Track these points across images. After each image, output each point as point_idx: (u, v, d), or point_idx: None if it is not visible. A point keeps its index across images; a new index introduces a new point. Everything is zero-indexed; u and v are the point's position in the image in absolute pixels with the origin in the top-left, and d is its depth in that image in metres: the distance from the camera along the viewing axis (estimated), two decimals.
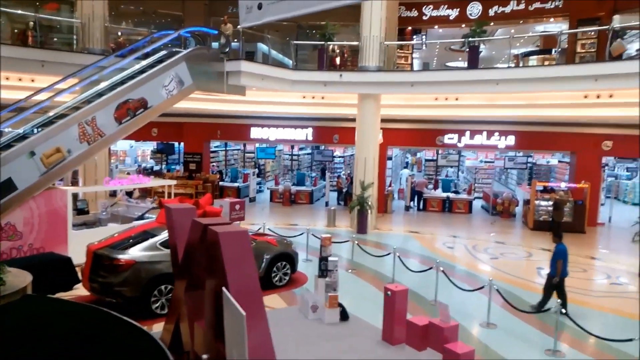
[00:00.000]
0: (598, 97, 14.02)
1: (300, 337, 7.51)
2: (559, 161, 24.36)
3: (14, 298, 6.38)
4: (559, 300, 8.36)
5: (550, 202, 17.29)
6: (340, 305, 8.19)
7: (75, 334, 5.05)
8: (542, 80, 13.44)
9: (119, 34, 18.70)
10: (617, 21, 14.83)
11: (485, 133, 18.80)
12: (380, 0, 15.12)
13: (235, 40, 14.44)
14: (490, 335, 8.20)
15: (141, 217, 12.10)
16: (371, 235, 15.78)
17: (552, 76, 13.27)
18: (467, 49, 14.79)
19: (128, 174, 21.61)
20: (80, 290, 8.61)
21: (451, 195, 20.99)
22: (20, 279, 6.86)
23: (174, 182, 13.37)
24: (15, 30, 14.60)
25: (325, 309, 8.08)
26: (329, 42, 16.18)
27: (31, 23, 14.34)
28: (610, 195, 25.81)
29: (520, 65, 16.81)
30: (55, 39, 16.07)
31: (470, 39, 14.54)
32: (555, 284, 9.14)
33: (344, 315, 8.19)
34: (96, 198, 13.67)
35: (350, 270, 11.63)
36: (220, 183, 22.21)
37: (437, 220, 18.96)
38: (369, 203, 15.93)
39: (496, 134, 18.70)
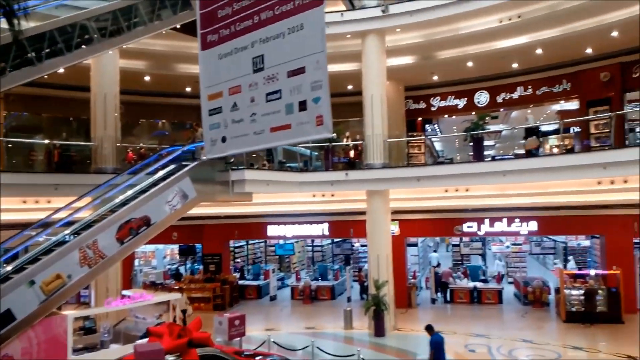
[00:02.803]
0: (612, 182, 13.47)
1: None
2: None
3: None
4: None
5: (582, 291, 16.20)
6: None
7: None
8: (549, 170, 13.08)
9: (141, 145, 19.78)
10: (532, 120, 15.51)
11: (505, 220, 18.15)
12: (380, 101, 15.47)
13: None
14: None
15: (145, 336, 11.95)
16: (389, 338, 15.00)
17: (558, 166, 12.91)
18: (471, 142, 14.72)
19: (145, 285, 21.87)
20: None
21: (479, 284, 20.00)
22: None
23: (178, 296, 13.30)
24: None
25: None
26: (333, 144, 16.47)
27: (58, 143, 15.46)
28: None
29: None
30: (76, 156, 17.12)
31: (472, 132, 14.50)
32: None
33: None
34: (107, 316, 13.67)
35: None
36: (241, 282, 22.08)
37: (464, 315, 17.95)
38: (385, 303, 15.32)
39: (517, 220, 18.02)
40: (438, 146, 30.78)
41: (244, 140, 7.11)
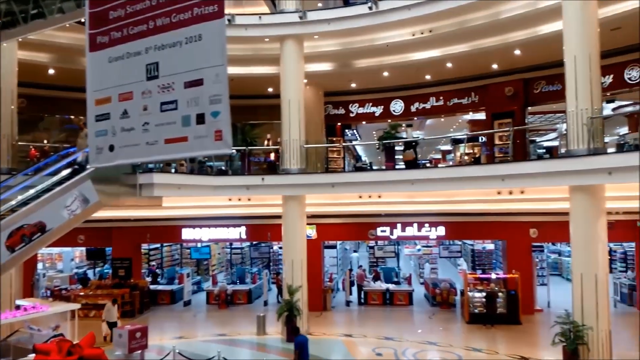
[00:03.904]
0: (510, 193, 14.35)
1: None
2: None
3: None
4: None
5: (484, 294, 17.13)
6: None
7: None
8: (452, 179, 13.71)
9: (45, 142, 18.54)
10: (411, 133, 16.53)
11: (415, 225, 18.86)
12: (298, 107, 15.48)
13: None
14: None
15: (35, 351, 11.16)
16: None
17: (461, 176, 13.55)
18: (383, 150, 15.11)
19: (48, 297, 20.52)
20: None
21: (391, 286, 20.61)
22: None
23: (77, 306, 12.56)
24: None
25: None
26: (250, 147, 16.29)
27: None
28: (555, 273, 26.08)
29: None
30: None
31: (384, 141, 14.88)
32: None
33: None
34: None
35: None
36: (153, 287, 21.30)
37: (376, 317, 18.40)
38: (298, 308, 15.35)
39: (426, 225, 18.78)
40: (359, 149, 31.44)
41: (135, 150, 6.77)
